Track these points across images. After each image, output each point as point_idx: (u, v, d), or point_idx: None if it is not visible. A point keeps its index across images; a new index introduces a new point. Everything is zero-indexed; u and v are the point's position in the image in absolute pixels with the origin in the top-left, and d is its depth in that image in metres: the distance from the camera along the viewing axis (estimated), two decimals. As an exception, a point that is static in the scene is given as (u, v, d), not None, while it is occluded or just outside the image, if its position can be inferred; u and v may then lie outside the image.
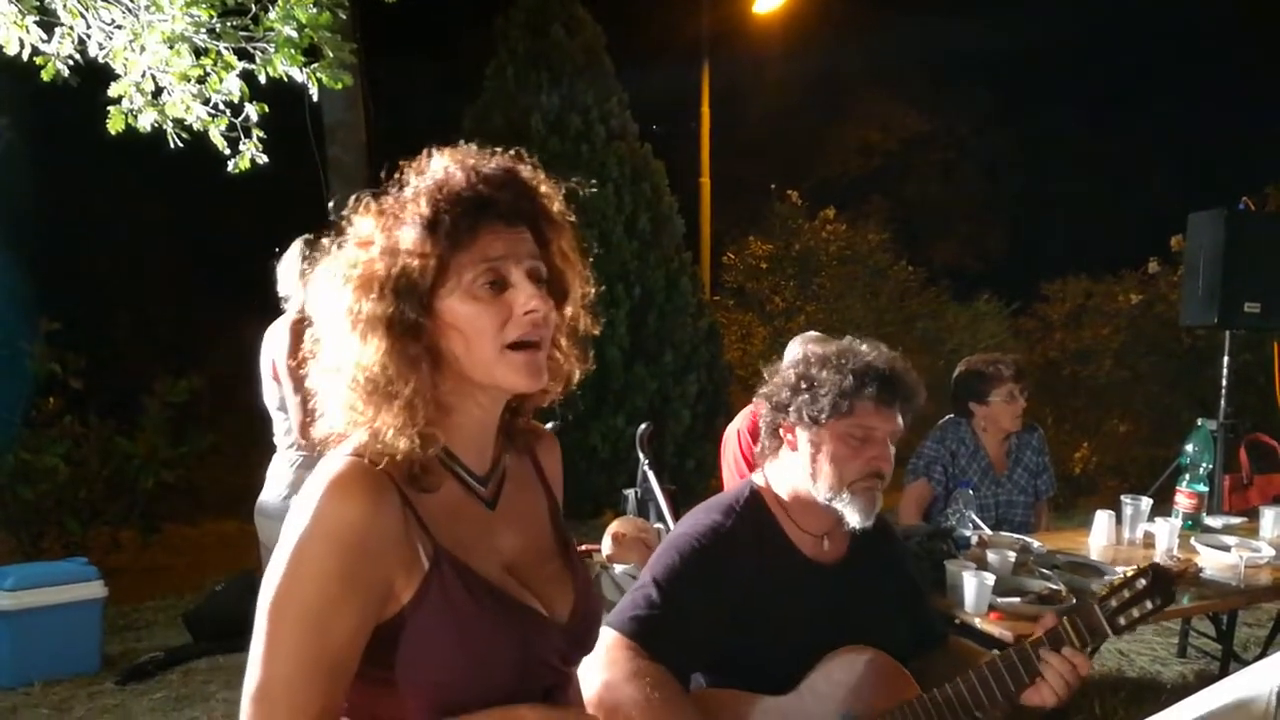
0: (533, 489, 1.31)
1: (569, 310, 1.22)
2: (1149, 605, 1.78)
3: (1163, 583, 1.79)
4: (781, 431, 1.97)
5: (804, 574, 1.98)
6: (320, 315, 1.15)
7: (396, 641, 1.09)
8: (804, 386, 1.92)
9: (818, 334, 3.67)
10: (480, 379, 1.14)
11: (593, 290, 1.26)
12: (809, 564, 1.99)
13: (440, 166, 1.15)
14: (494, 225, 1.13)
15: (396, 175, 1.17)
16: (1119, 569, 2.87)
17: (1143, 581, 1.78)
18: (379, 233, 1.12)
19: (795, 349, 3.60)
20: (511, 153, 1.20)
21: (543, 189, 1.20)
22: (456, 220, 1.10)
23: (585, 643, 1.28)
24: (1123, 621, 1.78)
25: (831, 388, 1.88)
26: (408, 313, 1.09)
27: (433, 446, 1.12)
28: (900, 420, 1.95)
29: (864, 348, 1.96)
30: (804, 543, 1.99)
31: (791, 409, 1.93)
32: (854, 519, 1.93)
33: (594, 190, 1.29)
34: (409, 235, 1.10)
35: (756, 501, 2.02)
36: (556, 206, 1.21)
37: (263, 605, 1.05)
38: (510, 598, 1.16)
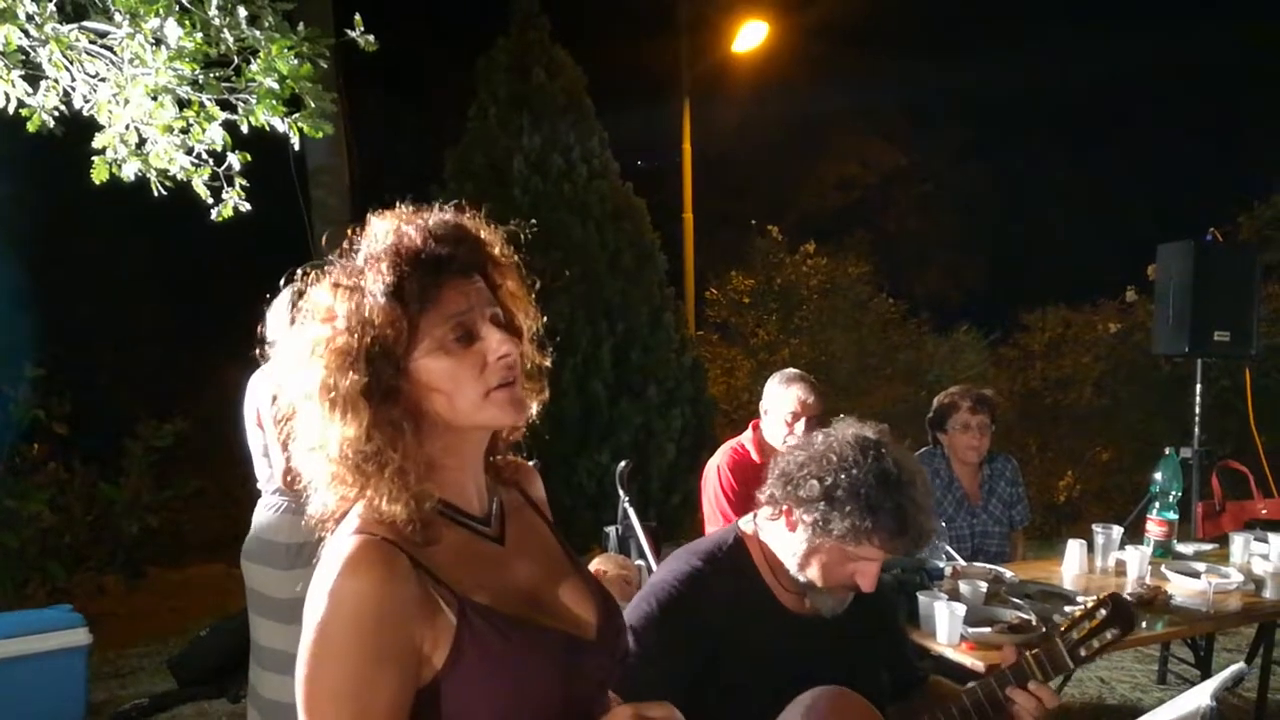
0: (530, 517, 1.34)
1: (523, 347, 1.25)
2: (1108, 635, 1.84)
3: (1122, 612, 1.85)
4: (785, 509, 1.96)
5: (782, 624, 2.00)
6: (292, 396, 1.15)
7: (440, 701, 1.10)
8: (826, 501, 1.87)
9: (798, 372, 3.71)
10: (465, 425, 1.17)
11: (540, 323, 1.30)
12: (787, 615, 2.01)
13: (386, 229, 1.17)
14: (454, 280, 1.15)
15: (346, 245, 1.18)
16: (1089, 598, 2.92)
17: (1103, 611, 1.85)
18: (341, 304, 1.12)
19: (779, 389, 3.64)
20: (452, 204, 1.23)
21: (484, 235, 1.23)
22: (421, 281, 1.12)
23: (617, 654, 1.30)
24: (1083, 653, 1.84)
25: (853, 521, 1.84)
26: (386, 380, 1.11)
27: (429, 502, 1.13)
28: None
29: (897, 472, 1.88)
30: (782, 594, 2.02)
31: (804, 508, 1.90)
32: (824, 609, 1.98)
33: (535, 231, 1.31)
34: (376, 303, 1.10)
35: (740, 550, 2.05)
36: (499, 250, 1.24)
37: (298, 695, 1.06)
38: (541, 627, 1.18)
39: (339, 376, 1.09)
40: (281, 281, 1.23)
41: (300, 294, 3.30)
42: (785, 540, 1.97)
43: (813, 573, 1.94)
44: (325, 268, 1.17)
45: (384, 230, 1.17)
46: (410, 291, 1.12)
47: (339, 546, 1.09)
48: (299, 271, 1.19)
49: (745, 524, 2.11)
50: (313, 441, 1.13)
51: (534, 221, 1.35)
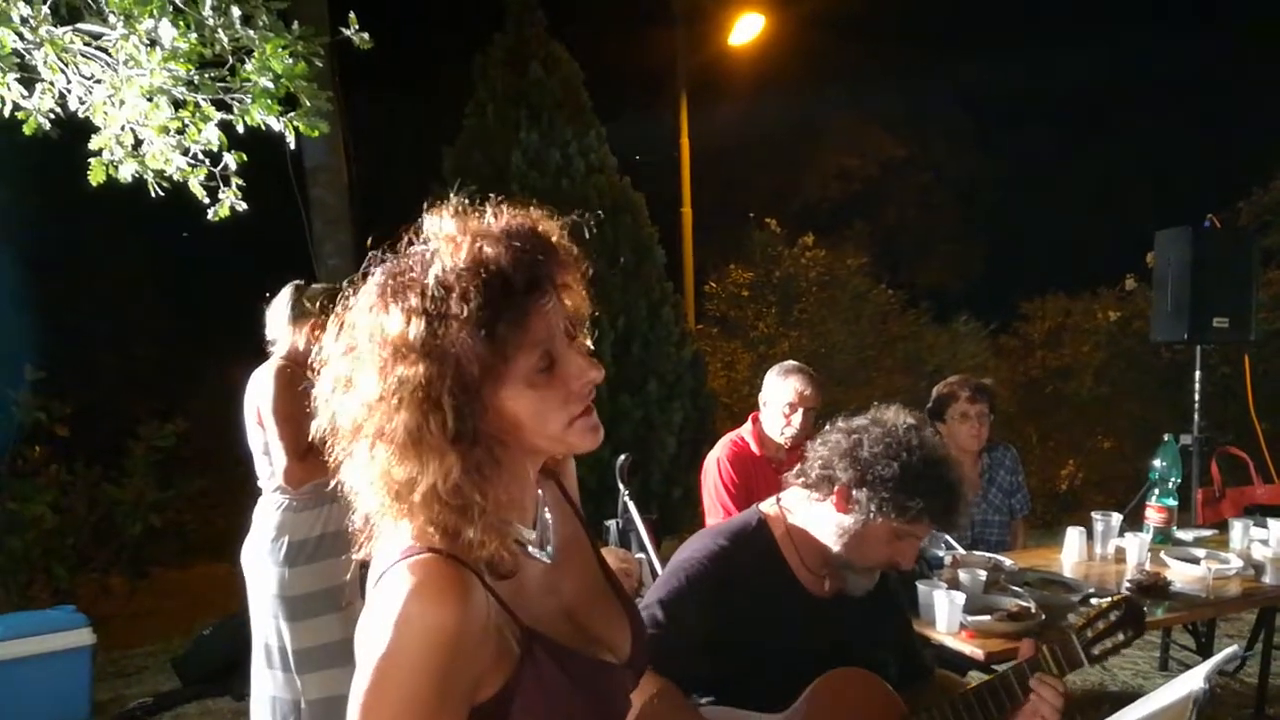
0: (566, 516, 1.26)
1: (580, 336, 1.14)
2: (1121, 637, 1.91)
3: (1135, 616, 1.92)
4: (839, 488, 1.96)
5: (800, 606, 2.03)
6: (360, 431, 1.02)
7: None
8: (901, 481, 1.89)
9: (797, 364, 3.74)
10: (544, 451, 1.11)
11: (589, 307, 1.17)
12: (806, 596, 2.04)
13: (453, 235, 1.03)
14: (537, 302, 1.03)
15: (391, 244, 1.06)
16: (1089, 585, 2.94)
17: (1116, 613, 1.92)
18: (417, 332, 0.98)
19: (777, 380, 3.66)
20: (516, 200, 1.10)
21: (550, 232, 1.10)
22: (512, 315, 1.00)
23: (642, 673, 1.27)
24: (1097, 652, 1.90)
25: (923, 501, 1.88)
26: (473, 422, 1.00)
27: (512, 535, 1.07)
28: None
29: (946, 454, 1.96)
30: (804, 576, 2.05)
31: (870, 488, 1.91)
32: (854, 589, 2.03)
33: (578, 220, 1.19)
34: (467, 342, 0.97)
35: (763, 530, 2.09)
36: (565, 248, 1.11)
37: (353, 716, 0.98)
38: (589, 660, 1.14)
39: (423, 420, 0.98)
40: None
41: (300, 292, 3.27)
42: (830, 520, 1.98)
43: (857, 552, 1.97)
44: (375, 279, 1.03)
45: (449, 235, 1.03)
46: (504, 329, 0.99)
47: (402, 569, 0.99)
48: (345, 281, 1.05)
49: (767, 507, 2.13)
50: (381, 482, 1.02)
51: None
